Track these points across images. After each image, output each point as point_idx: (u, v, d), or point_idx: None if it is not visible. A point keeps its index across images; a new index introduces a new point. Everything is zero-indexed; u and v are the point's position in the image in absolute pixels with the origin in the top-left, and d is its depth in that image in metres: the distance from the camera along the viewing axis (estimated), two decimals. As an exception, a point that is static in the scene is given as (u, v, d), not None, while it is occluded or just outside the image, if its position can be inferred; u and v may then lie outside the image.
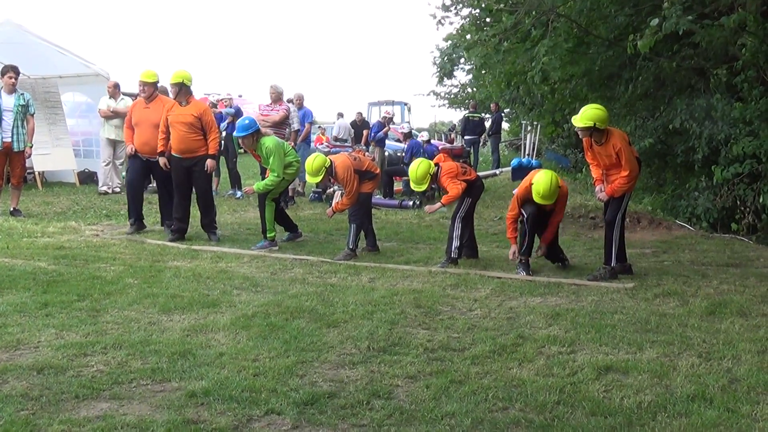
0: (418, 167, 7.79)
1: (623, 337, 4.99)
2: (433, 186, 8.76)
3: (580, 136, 6.95)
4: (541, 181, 6.91)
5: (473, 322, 5.39)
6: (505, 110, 25.37)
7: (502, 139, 28.55)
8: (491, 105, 20.99)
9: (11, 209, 10.31)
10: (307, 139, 13.92)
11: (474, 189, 7.81)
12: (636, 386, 4.09)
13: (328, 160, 7.93)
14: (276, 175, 8.18)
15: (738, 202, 9.70)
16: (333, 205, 8.14)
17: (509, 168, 17.98)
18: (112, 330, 5.01)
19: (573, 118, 6.83)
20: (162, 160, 8.76)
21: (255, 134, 8.25)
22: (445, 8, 12.30)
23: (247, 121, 8.33)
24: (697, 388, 4.04)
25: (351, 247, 7.85)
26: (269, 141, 8.31)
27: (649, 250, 8.61)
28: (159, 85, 10.42)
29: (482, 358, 4.55)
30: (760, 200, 9.26)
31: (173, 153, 8.73)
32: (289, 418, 3.62)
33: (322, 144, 17.28)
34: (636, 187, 12.46)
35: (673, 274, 7.12)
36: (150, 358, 4.44)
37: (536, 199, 6.90)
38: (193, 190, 9.00)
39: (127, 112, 12.19)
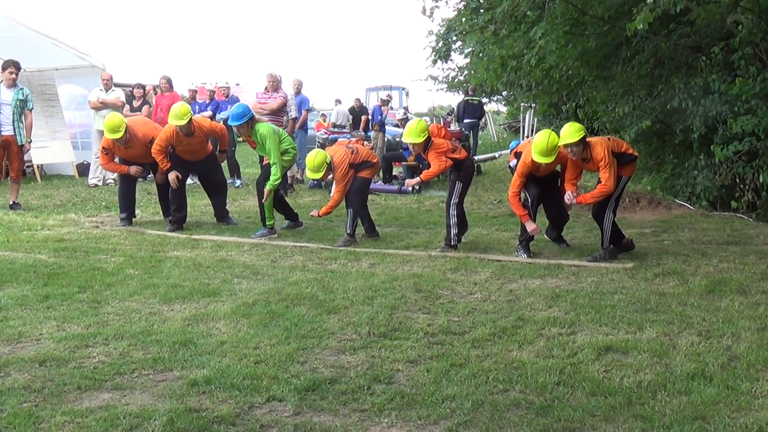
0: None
1: (623, 317, 5.00)
2: (420, 165, 8.63)
3: (575, 154, 6.73)
4: (538, 139, 6.88)
5: (473, 305, 5.40)
6: (502, 93, 25.28)
7: (499, 122, 28.51)
8: (469, 89, 20.88)
9: (11, 203, 10.32)
10: (304, 126, 13.91)
11: (463, 170, 7.69)
12: (636, 366, 4.10)
13: (329, 156, 7.87)
14: (277, 166, 8.16)
15: (737, 180, 9.66)
16: (321, 209, 8.06)
17: (508, 151, 17.96)
18: (113, 321, 5.03)
19: (561, 139, 6.70)
20: (172, 176, 8.69)
21: (250, 122, 8.22)
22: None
23: (241, 109, 8.28)
24: (697, 366, 4.05)
25: (349, 232, 7.84)
26: (264, 128, 8.28)
27: (649, 229, 8.60)
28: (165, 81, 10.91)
29: (482, 341, 4.56)
30: (760, 178, 9.23)
31: (182, 157, 8.89)
32: (290, 405, 3.63)
33: (321, 131, 17.23)
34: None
35: (672, 253, 7.13)
36: (151, 348, 4.45)
37: (536, 158, 6.81)
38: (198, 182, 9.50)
39: (116, 103, 12.25)
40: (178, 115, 8.45)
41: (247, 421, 3.46)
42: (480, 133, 23.44)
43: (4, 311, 5.22)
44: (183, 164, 8.92)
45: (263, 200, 8.25)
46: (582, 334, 4.70)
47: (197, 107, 14.08)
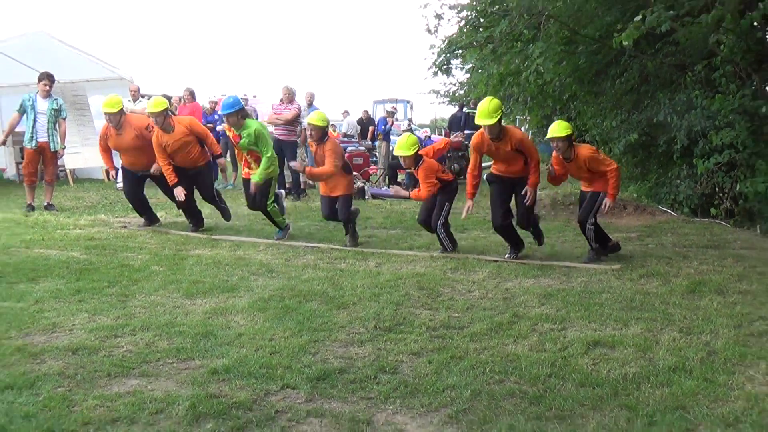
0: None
1: (610, 315, 5.01)
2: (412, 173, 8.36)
3: (560, 150, 6.75)
4: (481, 103, 6.76)
5: (472, 302, 5.42)
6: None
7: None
8: (470, 102, 20.81)
9: (45, 204, 10.38)
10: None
11: (450, 192, 7.47)
12: (622, 359, 4.11)
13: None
14: (269, 155, 7.84)
15: (717, 189, 9.66)
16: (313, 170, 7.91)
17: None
18: (140, 313, 5.06)
19: (549, 133, 6.72)
20: (178, 192, 8.33)
21: (240, 112, 7.81)
22: (438, 17, 12.49)
23: (232, 99, 7.89)
24: (678, 360, 4.06)
25: (351, 225, 7.87)
26: (254, 123, 7.97)
27: (635, 234, 8.61)
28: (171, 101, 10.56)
29: (480, 336, 4.57)
30: (737, 187, 9.24)
31: (178, 166, 8.46)
32: (303, 392, 3.66)
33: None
34: (621, 176, 12.47)
35: (656, 256, 7.13)
36: (175, 338, 4.48)
37: (477, 119, 6.68)
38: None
39: (143, 113, 12.14)
40: (153, 104, 8.16)
41: (263, 406, 3.49)
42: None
43: (40, 303, 5.26)
44: (183, 175, 8.48)
45: (252, 191, 8.01)
46: (572, 329, 4.71)
47: (217, 117, 14.14)
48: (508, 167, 7.04)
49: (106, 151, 8.87)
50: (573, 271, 6.51)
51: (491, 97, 6.94)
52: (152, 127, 8.40)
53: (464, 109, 19.84)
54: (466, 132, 19.52)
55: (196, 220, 8.83)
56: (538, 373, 3.90)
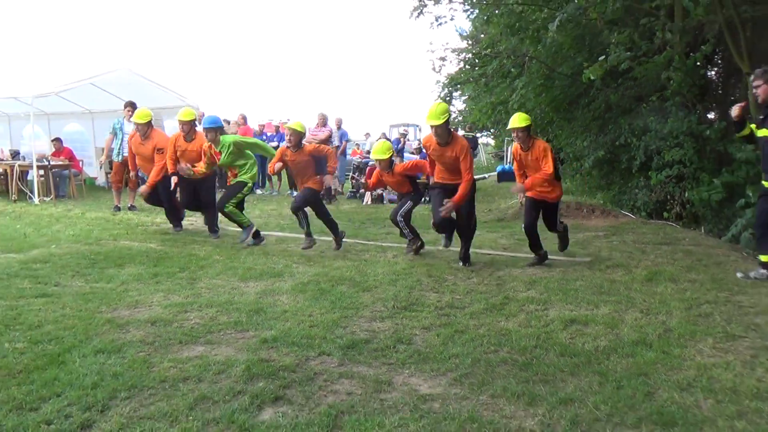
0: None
1: (583, 298, 4.95)
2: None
3: (519, 140, 6.11)
4: (430, 107, 6.13)
5: (471, 287, 5.38)
6: (491, 129, 25.15)
7: (488, 151, 28.29)
8: (466, 126, 20.76)
9: (129, 205, 10.47)
10: (344, 153, 13.94)
11: (418, 195, 6.94)
12: (594, 334, 4.06)
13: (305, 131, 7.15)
14: (252, 161, 7.26)
15: (668, 197, 9.55)
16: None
17: (495, 173, 17.96)
18: (205, 293, 5.06)
19: (510, 124, 6.09)
20: (175, 178, 7.68)
21: (218, 129, 7.18)
22: (442, 59, 12.56)
23: (213, 118, 7.26)
24: (640, 335, 4.00)
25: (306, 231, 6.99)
26: (228, 138, 7.29)
27: (602, 233, 8.51)
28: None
29: (478, 314, 4.54)
30: (685, 195, 9.15)
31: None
32: (336, 358, 3.64)
33: (356, 156, 17.26)
34: (591, 185, 12.37)
35: (619, 250, 7.05)
36: (233, 314, 4.48)
37: (426, 120, 6.00)
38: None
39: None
40: (183, 114, 7.63)
41: (304, 369, 3.47)
42: (474, 159, 23.32)
43: (125, 284, 5.29)
44: (186, 181, 7.75)
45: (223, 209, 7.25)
46: (553, 309, 4.66)
47: (265, 138, 14.18)
48: (449, 175, 6.27)
49: (131, 150, 8.56)
50: (553, 262, 6.44)
51: (439, 102, 6.37)
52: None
53: (460, 131, 19.80)
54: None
55: (176, 221, 8.24)
56: (525, 344, 3.85)
